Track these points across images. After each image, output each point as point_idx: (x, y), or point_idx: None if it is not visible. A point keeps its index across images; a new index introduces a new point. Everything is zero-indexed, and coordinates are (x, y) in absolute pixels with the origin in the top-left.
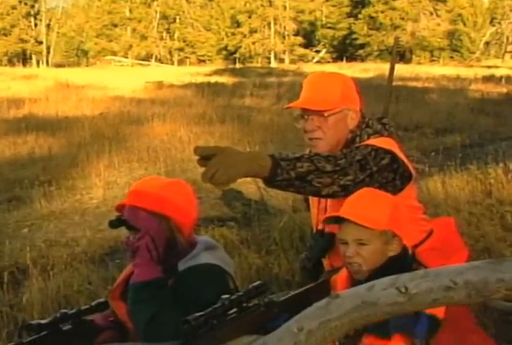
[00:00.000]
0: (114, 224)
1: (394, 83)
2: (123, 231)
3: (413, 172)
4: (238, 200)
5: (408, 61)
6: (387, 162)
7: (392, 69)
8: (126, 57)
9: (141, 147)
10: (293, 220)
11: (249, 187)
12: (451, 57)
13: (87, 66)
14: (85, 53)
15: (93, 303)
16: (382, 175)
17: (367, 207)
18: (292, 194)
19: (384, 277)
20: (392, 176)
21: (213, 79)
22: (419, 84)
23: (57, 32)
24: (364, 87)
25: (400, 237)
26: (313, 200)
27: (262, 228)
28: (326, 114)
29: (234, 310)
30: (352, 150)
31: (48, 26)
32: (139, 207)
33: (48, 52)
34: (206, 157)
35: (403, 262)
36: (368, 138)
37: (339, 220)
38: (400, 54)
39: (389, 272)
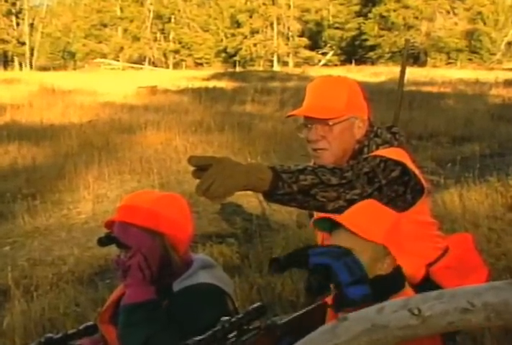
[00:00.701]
0: (104, 242)
1: (407, 88)
2: (113, 249)
3: (425, 185)
4: (238, 214)
5: (423, 64)
6: (398, 175)
7: (403, 73)
8: (117, 60)
9: (133, 158)
10: (298, 236)
11: (250, 200)
12: (470, 60)
13: (74, 69)
14: (73, 55)
15: (80, 327)
16: (391, 188)
17: (364, 216)
18: (296, 209)
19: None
20: (402, 189)
21: (212, 84)
22: (434, 89)
23: (42, 32)
24: (375, 92)
25: (393, 257)
26: (317, 215)
27: (264, 245)
28: (330, 123)
29: (234, 333)
30: (359, 162)
31: (31, 25)
32: (130, 223)
33: (32, 54)
34: (201, 167)
35: (389, 284)
36: (377, 148)
37: (330, 228)
38: (414, 57)
39: (373, 293)
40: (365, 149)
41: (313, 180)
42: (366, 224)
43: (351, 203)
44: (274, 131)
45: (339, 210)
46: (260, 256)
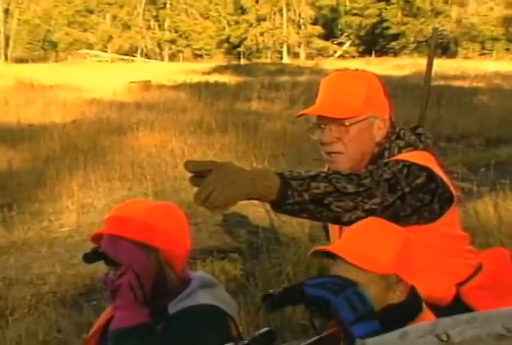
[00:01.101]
0: (90, 258)
1: (435, 83)
2: (101, 266)
3: (455, 193)
4: (242, 226)
5: (453, 55)
6: (423, 181)
7: (430, 65)
8: (105, 51)
9: (123, 162)
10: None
11: (256, 210)
12: (507, 50)
13: (56, 62)
14: (54, 46)
15: None
16: (416, 197)
17: (366, 242)
18: (308, 220)
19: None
20: (428, 198)
21: (213, 78)
22: (466, 83)
23: (18, 19)
24: (398, 88)
25: (406, 282)
26: (333, 228)
27: (272, 262)
28: (347, 123)
29: None
30: (379, 167)
31: (6, 11)
32: (120, 236)
33: (7, 44)
34: (200, 173)
35: (405, 312)
36: (399, 152)
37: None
38: (443, 47)
39: (385, 323)
40: (386, 153)
41: (327, 188)
42: (369, 253)
43: (370, 213)
44: (283, 132)
45: (357, 222)
46: (268, 274)
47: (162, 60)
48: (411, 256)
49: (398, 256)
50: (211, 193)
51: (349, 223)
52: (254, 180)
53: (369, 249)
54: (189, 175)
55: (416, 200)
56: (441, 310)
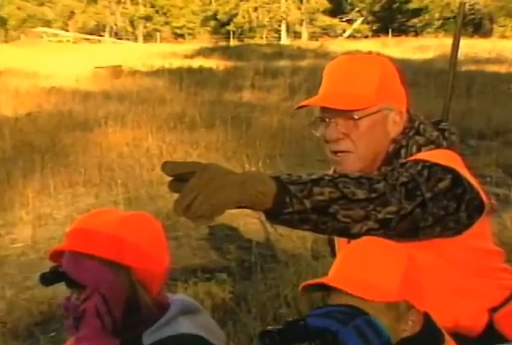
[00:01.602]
0: (48, 279)
1: (465, 68)
2: (61, 289)
3: (486, 200)
4: (232, 241)
5: (488, 34)
6: (447, 186)
7: (456, 47)
8: (66, 30)
9: (89, 164)
10: (314, 270)
11: (249, 221)
12: None
13: (6, 42)
14: (3, 22)
15: None
16: (439, 204)
17: (365, 267)
18: (311, 233)
19: None
20: (454, 206)
21: (196, 63)
22: (503, 68)
23: None
24: (419, 74)
25: (418, 309)
26: (340, 242)
27: (267, 283)
28: (356, 116)
29: None
30: (394, 168)
31: None
32: (84, 253)
33: None
34: (180, 177)
35: None
36: (418, 150)
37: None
38: (475, 24)
39: None
40: (403, 152)
41: (333, 194)
42: (370, 280)
43: (384, 224)
44: (281, 127)
45: (369, 235)
46: (262, 298)
47: (136, 40)
48: (418, 278)
49: (403, 279)
50: (194, 200)
51: (359, 235)
52: (246, 185)
53: (369, 275)
54: (168, 178)
55: (439, 208)
56: (471, 342)
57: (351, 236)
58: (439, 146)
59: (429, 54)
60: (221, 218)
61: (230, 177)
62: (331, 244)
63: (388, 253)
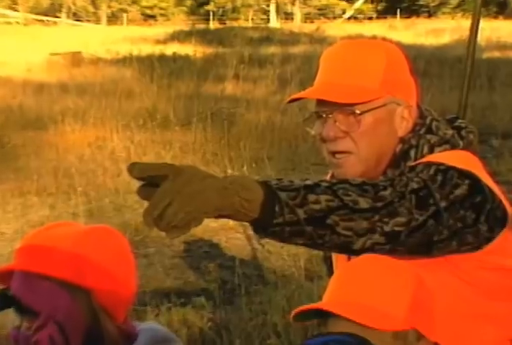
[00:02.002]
0: None
1: (487, 55)
2: (9, 317)
3: (510, 210)
4: (212, 258)
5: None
6: (464, 193)
7: (475, 30)
8: (16, 10)
9: (43, 169)
10: (308, 293)
11: (232, 236)
12: None
13: None
14: None
15: None
16: (455, 214)
17: (368, 290)
18: (305, 249)
19: None
20: (473, 217)
21: (170, 49)
22: None
23: None
24: (432, 62)
25: (428, 339)
26: (339, 260)
27: (253, 309)
28: (358, 111)
29: None
30: (402, 173)
31: None
32: (37, 274)
33: None
34: (150, 181)
35: None
36: (430, 151)
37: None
38: (499, 4)
39: None
40: (412, 153)
41: (331, 203)
42: (374, 306)
43: (392, 238)
44: (269, 125)
45: (374, 250)
46: (247, 327)
47: (98, 22)
48: (429, 302)
49: (411, 304)
50: (167, 208)
51: (363, 251)
52: (228, 190)
53: (372, 299)
54: (137, 185)
55: (455, 219)
56: None
57: (353, 252)
58: (454, 146)
59: (444, 39)
60: (200, 232)
61: (209, 182)
62: (328, 263)
63: (394, 273)
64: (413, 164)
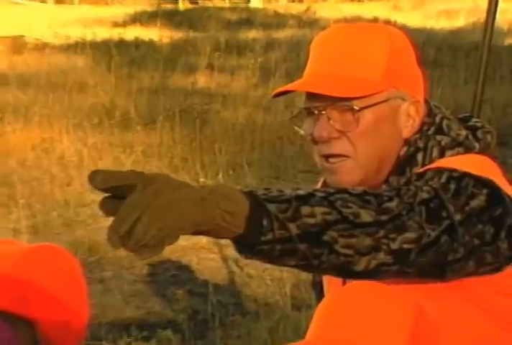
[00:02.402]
0: None
1: (509, 41)
2: None
3: None
4: (181, 284)
5: None
6: (482, 205)
7: (492, 10)
8: None
9: None
10: (294, 324)
11: (205, 256)
12: None
13: None
14: None
15: None
16: (472, 229)
17: (359, 327)
18: (291, 272)
19: None
20: (492, 232)
21: (131, 33)
22: None
23: None
24: (444, 49)
25: None
26: (331, 285)
27: (229, 343)
28: (356, 107)
29: None
30: (409, 181)
31: None
32: None
33: None
34: (115, 193)
35: None
36: (441, 155)
37: None
38: None
39: None
40: (419, 157)
41: (328, 216)
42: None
43: (400, 257)
44: (250, 125)
45: (379, 273)
46: None
47: (44, 0)
48: (431, 338)
49: (409, 341)
50: (136, 224)
51: (365, 273)
52: (207, 202)
53: (364, 336)
54: (91, 196)
55: (472, 235)
56: None
57: (354, 274)
58: (469, 149)
59: (458, 22)
60: (166, 252)
61: (184, 192)
62: (317, 288)
63: (390, 305)
64: (421, 170)
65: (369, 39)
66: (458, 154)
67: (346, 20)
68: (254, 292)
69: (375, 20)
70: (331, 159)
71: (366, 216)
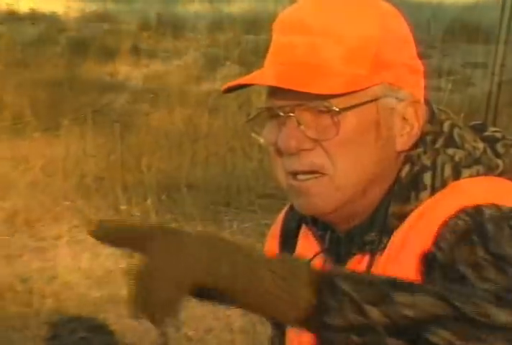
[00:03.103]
0: None
1: None
2: None
3: None
4: None
5: None
6: None
7: None
8: None
9: None
10: None
11: (126, 312)
12: None
13: None
14: None
15: None
16: None
17: None
18: (246, 327)
19: None
20: None
21: (25, 4)
22: None
23: None
24: (456, 29)
25: None
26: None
27: None
28: (336, 107)
29: None
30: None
31: None
32: None
33: None
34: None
35: None
36: (456, 176)
37: None
38: None
39: None
40: (427, 178)
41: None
42: None
43: None
44: (189, 131)
45: None
46: None
47: None
48: None
49: None
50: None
51: None
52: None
53: None
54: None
55: None
56: None
57: None
58: (490, 169)
59: None
60: (73, 307)
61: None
62: (276, 342)
63: None
64: (445, 218)
65: (353, 18)
66: (478, 174)
67: None
68: None
69: None
70: (301, 176)
71: (502, 316)
